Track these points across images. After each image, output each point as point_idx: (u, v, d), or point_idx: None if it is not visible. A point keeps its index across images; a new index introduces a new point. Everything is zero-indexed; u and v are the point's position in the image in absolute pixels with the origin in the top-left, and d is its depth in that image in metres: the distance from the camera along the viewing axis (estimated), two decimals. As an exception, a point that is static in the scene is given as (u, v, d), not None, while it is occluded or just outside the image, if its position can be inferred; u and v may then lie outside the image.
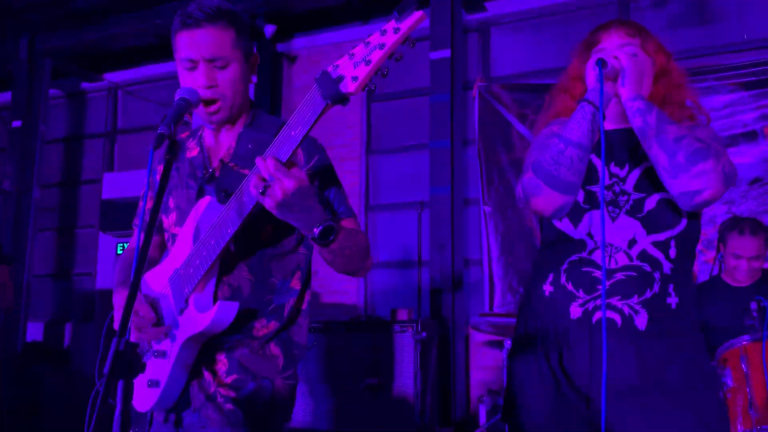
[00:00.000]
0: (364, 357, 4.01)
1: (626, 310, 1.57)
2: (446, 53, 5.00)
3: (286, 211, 1.40)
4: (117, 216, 5.91)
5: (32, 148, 6.44)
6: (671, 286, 1.58)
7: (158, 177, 1.72)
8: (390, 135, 5.87)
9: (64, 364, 6.28)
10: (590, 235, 1.62)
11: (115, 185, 6.08)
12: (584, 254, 1.61)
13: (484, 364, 5.04)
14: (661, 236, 1.59)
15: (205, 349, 1.60)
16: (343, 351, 4.10)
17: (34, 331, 6.79)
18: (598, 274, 1.58)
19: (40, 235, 6.81)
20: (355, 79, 1.29)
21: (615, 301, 1.57)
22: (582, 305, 1.59)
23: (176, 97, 1.56)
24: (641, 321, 1.56)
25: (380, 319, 4.51)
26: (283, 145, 1.41)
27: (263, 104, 5.91)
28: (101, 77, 7.02)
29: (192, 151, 1.75)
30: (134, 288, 1.28)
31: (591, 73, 1.58)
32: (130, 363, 1.23)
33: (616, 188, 1.63)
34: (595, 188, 1.63)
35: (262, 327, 1.64)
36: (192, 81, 1.61)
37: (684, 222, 1.61)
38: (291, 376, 1.66)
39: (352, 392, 3.99)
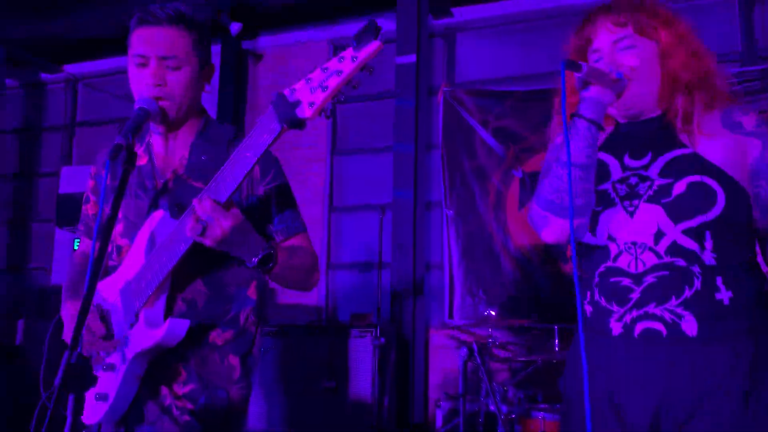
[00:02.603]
0: (322, 361, 4.02)
1: (667, 316, 1.38)
2: (412, 58, 5.03)
3: (225, 246, 1.47)
4: (74, 210, 5.77)
5: (-14, 138, 6.26)
6: (719, 279, 1.37)
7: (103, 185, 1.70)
8: (356, 136, 5.88)
9: (15, 361, 6.13)
10: (611, 238, 1.46)
11: (74, 179, 5.94)
12: (609, 263, 1.46)
13: (443, 366, 5.09)
14: (692, 222, 1.39)
15: (160, 359, 1.60)
16: (300, 354, 4.10)
17: (-16, 327, 6.62)
18: (627, 282, 1.42)
19: (-8, 228, 6.64)
20: (311, 104, 1.31)
21: (651, 308, 1.39)
22: (619, 320, 1.43)
23: (135, 107, 1.55)
24: (690, 326, 1.36)
25: (339, 323, 4.52)
26: (236, 166, 1.42)
27: (227, 102, 5.85)
28: (61, 68, 6.86)
29: (141, 159, 1.72)
30: (87, 300, 1.27)
31: (579, 85, 1.44)
32: (82, 377, 1.23)
33: (632, 180, 1.47)
34: (605, 186, 1.50)
35: (218, 336, 1.64)
36: (140, 78, 1.61)
37: (721, 205, 1.38)
38: (245, 386, 1.67)
39: (309, 395, 4.00)
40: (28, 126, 7.20)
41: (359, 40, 1.29)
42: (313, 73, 1.33)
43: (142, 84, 1.60)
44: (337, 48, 5.96)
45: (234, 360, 1.65)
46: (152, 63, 1.60)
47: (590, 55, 1.52)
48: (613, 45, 1.48)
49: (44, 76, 7.11)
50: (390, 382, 4.17)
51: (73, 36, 6.34)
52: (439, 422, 4.03)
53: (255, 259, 1.50)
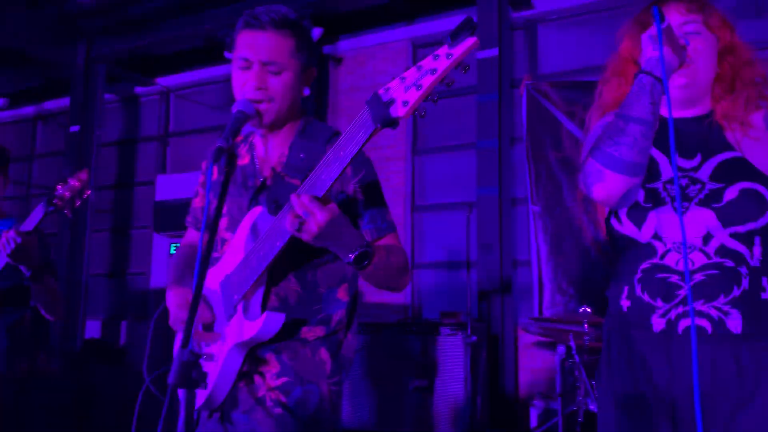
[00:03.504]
0: (412, 359, 4.02)
1: (714, 313, 1.41)
2: (494, 52, 4.96)
3: (322, 241, 1.47)
4: (170, 217, 6.06)
5: (89, 151, 6.65)
6: (765, 280, 1.42)
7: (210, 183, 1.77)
8: (435, 135, 5.86)
9: (119, 361, 6.47)
10: (657, 237, 1.47)
11: (168, 187, 6.23)
12: (656, 260, 1.47)
13: (533, 366, 4.99)
14: (741, 228, 1.42)
15: (255, 350, 1.64)
16: (390, 352, 4.11)
17: (93, 329, 7.03)
18: (675, 279, 1.44)
19: (95, 236, 7.05)
20: (405, 103, 1.30)
21: (699, 305, 1.41)
22: (663, 315, 1.45)
23: (233, 110, 1.59)
24: (735, 323, 1.40)
25: (429, 321, 4.51)
26: (331, 164, 1.44)
27: (309, 105, 5.97)
28: (154, 81, 7.20)
29: (243, 159, 1.78)
30: (197, 293, 1.32)
31: (647, 44, 1.41)
32: (194, 373, 1.27)
33: (683, 181, 1.48)
34: (655, 185, 1.50)
35: (309, 331, 1.67)
36: (243, 80, 1.64)
37: None
38: (337, 382, 1.69)
39: (400, 394, 4.00)
40: (126, 138, 7.61)
41: (454, 37, 1.26)
42: (408, 72, 1.32)
43: (244, 87, 1.63)
44: (417, 47, 5.97)
45: (325, 355, 1.67)
46: (255, 67, 1.63)
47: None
48: (680, 26, 1.51)
49: (138, 89, 7.48)
50: (482, 381, 4.12)
51: (164, 50, 6.65)
52: (533, 422, 3.95)
53: (351, 256, 1.49)
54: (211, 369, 1.63)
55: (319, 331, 1.67)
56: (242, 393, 1.64)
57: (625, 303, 1.51)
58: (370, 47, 6.10)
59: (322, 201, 1.44)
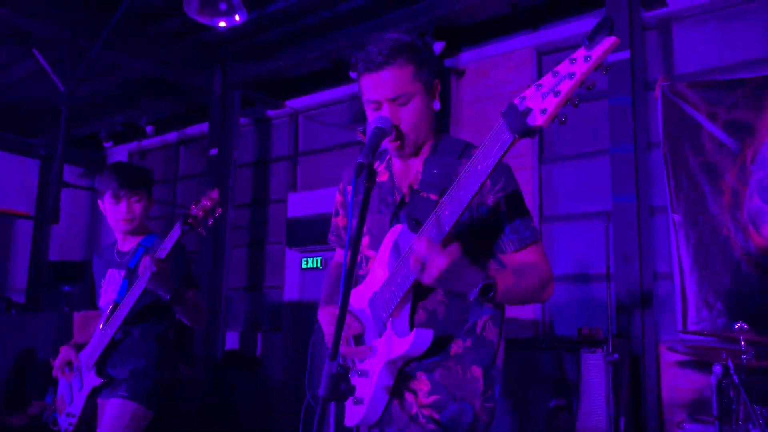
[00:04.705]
0: (549, 376, 3.88)
1: None
2: (625, 54, 4.73)
3: (442, 283, 1.49)
4: (301, 232, 6.30)
5: (227, 172, 7.06)
6: None
7: (349, 198, 1.82)
8: (563, 142, 5.67)
9: (255, 370, 6.78)
10: None
11: (299, 204, 6.48)
12: None
13: (677, 385, 4.66)
14: None
15: (406, 367, 1.65)
16: (526, 369, 4.00)
17: (231, 340, 7.43)
18: None
19: (234, 251, 7.45)
20: (543, 111, 1.26)
21: None
22: None
23: (371, 127, 1.62)
24: None
25: (564, 337, 4.34)
26: (469, 179, 1.42)
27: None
28: (283, 104, 7.54)
29: (382, 176, 1.82)
30: (344, 306, 1.35)
31: None
32: (343, 385, 1.29)
33: None
34: None
35: (459, 346, 1.65)
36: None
37: None
38: (490, 398, 1.66)
39: (538, 413, 3.87)
40: (259, 158, 8.01)
41: (592, 38, 1.22)
42: (543, 79, 1.29)
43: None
44: (542, 54, 5.83)
45: (476, 371, 1.65)
46: (385, 106, 1.67)
47: None
48: None
49: (270, 112, 7.87)
50: (624, 401, 3.89)
51: (292, 73, 6.94)
52: (682, 446, 3.67)
53: (474, 292, 1.50)
54: (366, 385, 1.66)
55: (468, 343, 1.66)
56: (395, 410, 1.66)
57: None
58: (493, 57, 6.03)
59: (443, 243, 1.45)
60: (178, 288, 2.49)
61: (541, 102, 1.27)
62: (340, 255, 2.03)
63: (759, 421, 2.64)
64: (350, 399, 1.68)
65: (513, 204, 1.67)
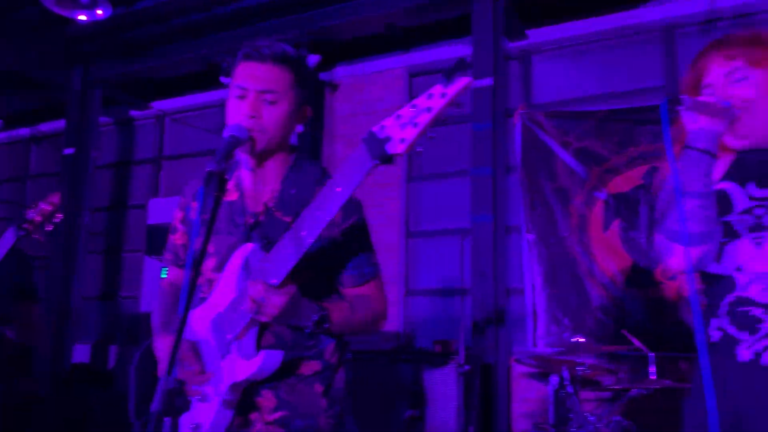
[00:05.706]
0: (404, 388, 3.96)
1: None
2: (489, 81, 4.99)
3: (279, 320, 1.55)
4: (162, 240, 6.00)
5: (83, 174, 6.63)
6: None
7: (192, 215, 1.75)
8: (431, 161, 5.88)
9: (108, 385, 6.39)
10: (739, 269, 1.50)
11: (161, 210, 6.21)
12: (738, 292, 1.50)
13: (526, 396, 4.94)
14: None
15: (249, 388, 1.61)
16: (381, 381, 4.06)
17: (82, 353, 6.94)
18: (757, 312, 1.46)
19: (88, 258, 6.99)
20: (402, 140, 1.34)
21: None
22: (749, 348, 1.47)
23: (225, 135, 1.58)
24: None
25: (423, 350, 4.46)
26: (326, 202, 1.44)
27: (305, 132, 5.98)
28: (149, 105, 7.22)
29: (231, 195, 1.74)
30: (181, 326, 1.29)
31: (686, 117, 1.47)
32: (177, 401, 1.25)
33: (758, 211, 1.50)
34: (729, 218, 1.52)
35: (306, 367, 1.66)
36: (238, 108, 1.64)
37: None
38: (333, 416, 1.67)
39: (391, 424, 3.94)
40: (120, 161, 7.60)
41: (449, 76, 1.30)
42: (403, 110, 1.35)
43: (238, 114, 1.64)
44: (413, 75, 6.01)
45: (319, 388, 1.66)
46: (250, 96, 1.64)
47: (703, 90, 1.56)
48: (725, 78, 1.53)
49: (134, 112, 7.50)
50: (474, 411, 4.06)
51: (160, 74, 6.67)
52: (526, 454, 3.89)
53: (310, 323, 1.57)
54: (206, 409, 1.61)
55: (315, 366, 1.67)
56: (239, 428, 1.62)
57: (716, 334, 1.53)
58: (367, 75, 6.15)
59: (280, 286, 1.49)
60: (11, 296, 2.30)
61: (400, 132, 1.34)
62: (174, 275, 1.91)
63: (589, 429, 2.86)
64: (189, 426, 1.62)
65: (359, 239, 1.71)
